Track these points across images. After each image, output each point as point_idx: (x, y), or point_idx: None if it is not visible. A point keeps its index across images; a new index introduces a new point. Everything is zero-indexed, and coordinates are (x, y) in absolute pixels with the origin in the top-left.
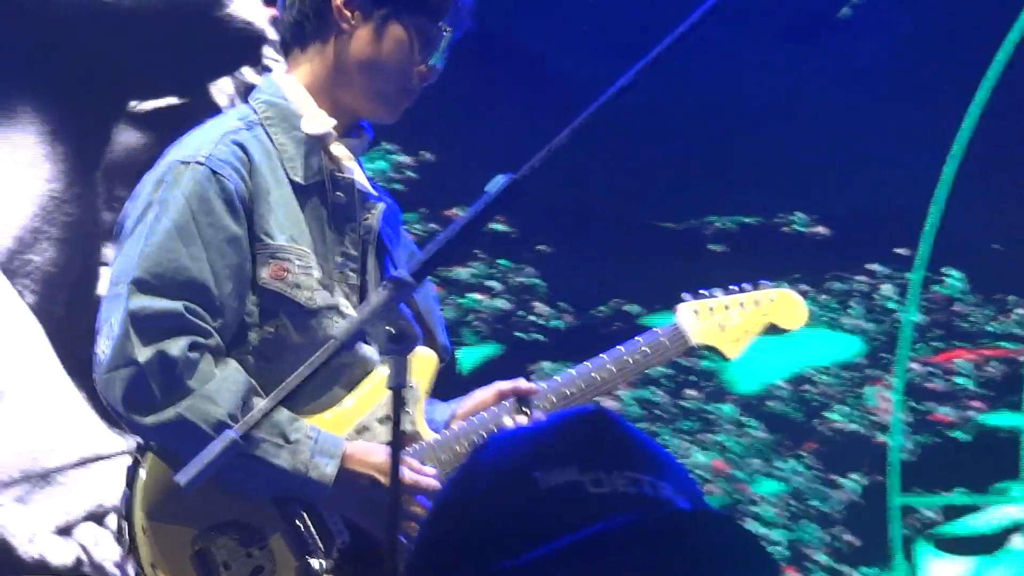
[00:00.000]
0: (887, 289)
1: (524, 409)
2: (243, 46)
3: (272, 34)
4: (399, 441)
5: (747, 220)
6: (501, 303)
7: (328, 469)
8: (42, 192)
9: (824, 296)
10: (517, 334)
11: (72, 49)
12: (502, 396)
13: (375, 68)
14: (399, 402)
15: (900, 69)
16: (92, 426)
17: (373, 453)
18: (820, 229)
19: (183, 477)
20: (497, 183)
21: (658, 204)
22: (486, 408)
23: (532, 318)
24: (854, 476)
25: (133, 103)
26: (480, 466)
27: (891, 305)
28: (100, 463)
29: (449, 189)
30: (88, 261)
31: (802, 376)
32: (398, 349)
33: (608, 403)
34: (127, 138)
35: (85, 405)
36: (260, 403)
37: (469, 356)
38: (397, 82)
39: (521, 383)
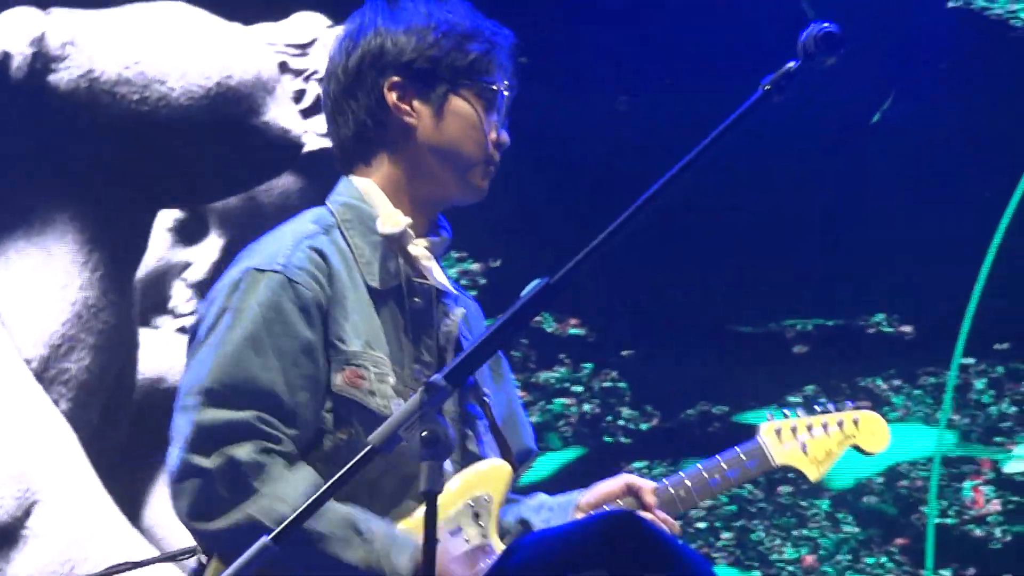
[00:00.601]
0: (980, 383)
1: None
2: (281, 154)
3: (312, 142)
4: (433, 548)
5: (828, 323)
6: (588, 407)
7: (402, 561)
8: (77, 300)
9: (917, 391)
10: (605, 439)
11: (108, 158)
12: (630, 490)
13: (451, 150)
14: (433, 508)
15: (946, 159)
16: (126, 534)
17: (450, 560)
18: (906, 328)
19: None
20: (532, 287)
21: (736, 309)
22: (611, 500)
23: (620, 422)
24: (944, 572)
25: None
26: (510, 568)
27: (986, 399)
28: (134, 572)
29: (518, 294)
30: (123, 369)
31: (898, 471)
32: (432, 454)
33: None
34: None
35: (119, 513)
36: (334, 506)
37: (552, 461)
38: (476, 156)
39: (648, 485)
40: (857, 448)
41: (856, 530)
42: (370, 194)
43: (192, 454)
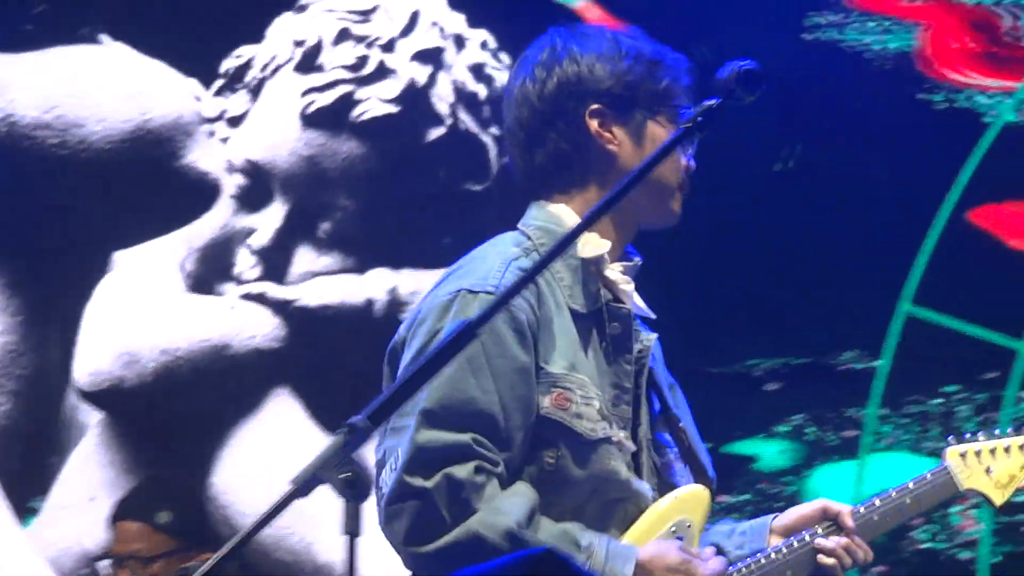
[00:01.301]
0: (964, 410)
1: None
2: (200, 196)
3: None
4: None
5: (795, 362)
6: None
7: (626, 569)
8: None
9: (905, 420)
10: None
11: (28, 202)
12: (826, 515)
13: (652, 176)
14: (354, 550)
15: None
16: None
17: (665, 555)
18: (878, 363)
19: None
20: (454, 327)
21: (699, 352)
22: (806, 524)
23: None
24: None
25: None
26: None
27: (970, 426)
28: None
29: None
30: (44, 414)
31: None
32: (353, 495)
33: None
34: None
35: (38, 559)
36: (545, 523)
37: None
38: (674, 182)
39: (845, 509)
40: None
41: None
42: (566, 219)
43: (410, 475)
